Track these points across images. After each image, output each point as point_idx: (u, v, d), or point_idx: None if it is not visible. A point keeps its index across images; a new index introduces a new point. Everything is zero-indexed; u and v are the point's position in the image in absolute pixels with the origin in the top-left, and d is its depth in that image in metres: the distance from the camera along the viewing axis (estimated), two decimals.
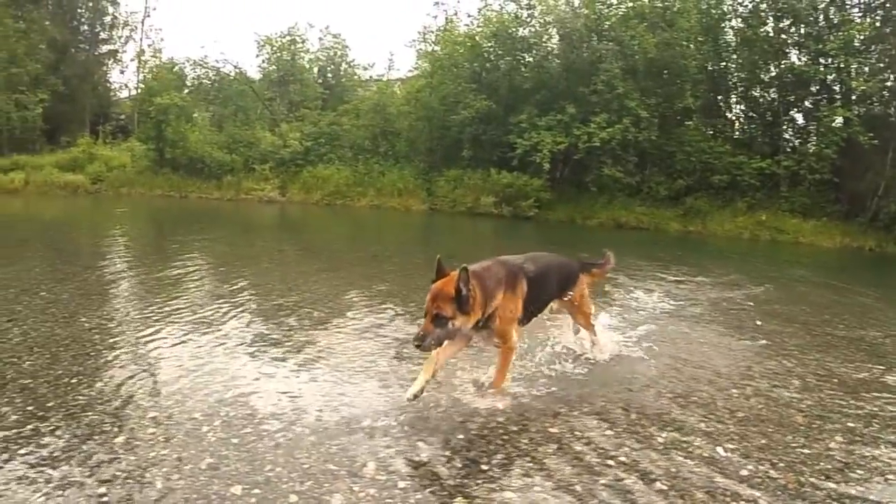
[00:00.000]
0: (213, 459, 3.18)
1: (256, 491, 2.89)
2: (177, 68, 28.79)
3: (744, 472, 3.18)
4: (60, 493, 2.87)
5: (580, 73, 21.90)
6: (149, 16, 36.97)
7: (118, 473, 3.05)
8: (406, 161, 23.51)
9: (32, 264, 9.25)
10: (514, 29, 23.19)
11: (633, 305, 7.24)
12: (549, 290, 4.57)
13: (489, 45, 23.52)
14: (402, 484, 2.99)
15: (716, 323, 6.62)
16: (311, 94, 26.76)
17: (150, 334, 5.42)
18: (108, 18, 36.61)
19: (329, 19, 54.39)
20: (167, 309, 6.34)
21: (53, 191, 25.43)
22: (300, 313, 6.40)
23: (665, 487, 3.00)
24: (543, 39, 23.54)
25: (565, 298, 4.79)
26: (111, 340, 5.32)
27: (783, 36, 21.93)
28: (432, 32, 25.69)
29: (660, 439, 3.55)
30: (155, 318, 6.00)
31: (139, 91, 32.60)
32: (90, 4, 36.19)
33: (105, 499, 2.85)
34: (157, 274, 8.74)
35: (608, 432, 3.62)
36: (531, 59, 23.29)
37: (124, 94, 38.85)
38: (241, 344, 5.25)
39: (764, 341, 5.86)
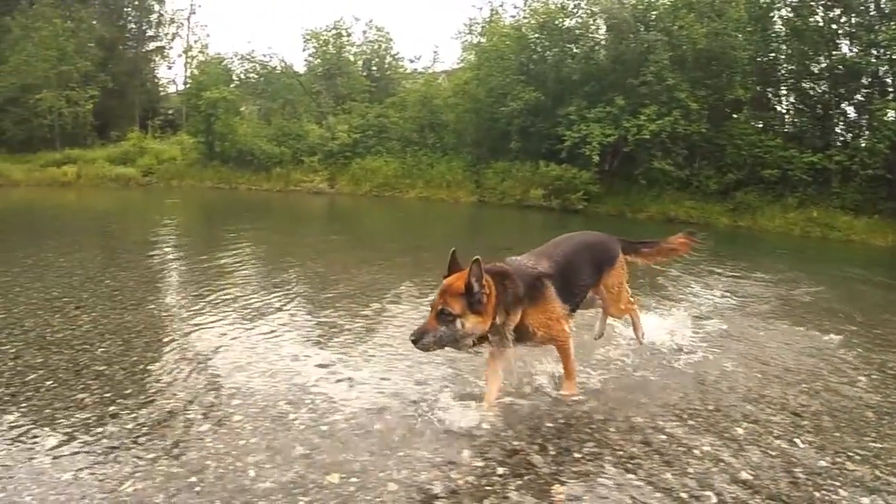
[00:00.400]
0: (304, 448, 3.19)
1: (354, 479, 2.90)
2: (224, 63, 29.23)
3: (822, 464, 3.24)
4: (150, 478, 2.89)
5: (629, 64, 21.64)
6: (194, 13, 37.86)
7: (208, 462, 3.06)
8: (454, 153, 23.47)
9: (94, 252, 9.58)
10: (560, 20, 23.02)
11: (696, 300, 7.19)
12: (584, 276, 4.10)
13: (536, 36, 23.37)
14: (500, 470, 3.03)
15: (780, 319, 6.54)
16: (357, 87, 26.94)
17: (215, 321, 5.55)
18: (154, 16, 37.61)
19: (373, 13, 54.53)
20: (227, 297, 6.51)
21: (105, 183, 26.03)
22: (353, 302, 6.48)
23: (750, 477, 3.05)
24: (590, 30, 23.31)
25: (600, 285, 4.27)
26: (181, 327, 5.41)
27: (833, 26, 21.38)
28: (478, 24, 25.69)
29: (738, 431, 3.59)
30: (217, 305, 6.15)
31: (187, 86, 33.14)
32: (136, 3, 37.08)
33: (197, 488, 2.84)
34: (212, 262, 8.92)
35: (690, 422, 3.68)
36: (578, 51, 23.02)
37: (172, 89, 39.75)
38: (303, 332, 5.33)
39: (829, 339, 5.78)
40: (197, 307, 6.09)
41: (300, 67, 29.13)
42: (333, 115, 25.96)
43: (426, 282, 7.41)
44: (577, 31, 23.14)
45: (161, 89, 39.75)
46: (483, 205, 21.12)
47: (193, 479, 2.89)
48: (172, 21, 37.68)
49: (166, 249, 10.14)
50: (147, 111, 35.54)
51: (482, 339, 3.46)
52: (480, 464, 3.07)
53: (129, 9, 36.98)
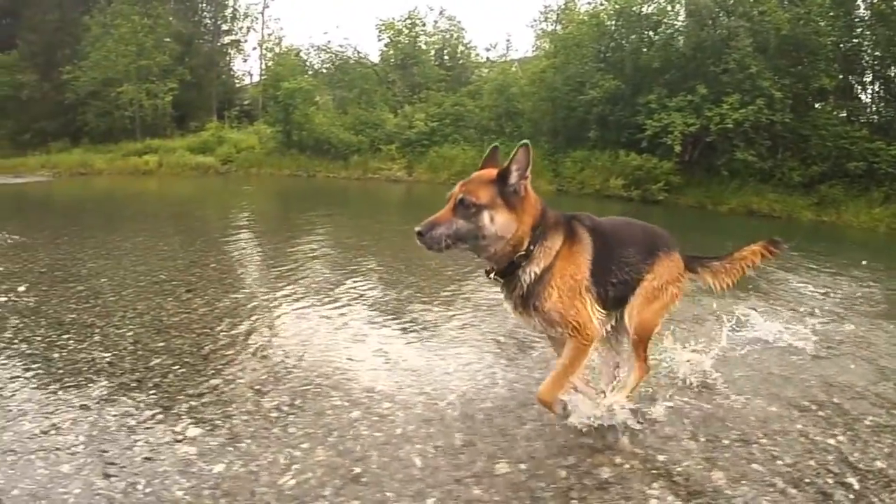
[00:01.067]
0: (465, 436, 3.15)
1: (522, 466, 2.88)
2: (301, 54, 29.82)
3: None
4: (310, 471, 2.84)
5: (710, 51, 21.10)
6: (268, 6, 38.74)
7: (369, 452, 3.00)
8: (532, 142, 23.06)
9: (191, 237, 9.95)
10: (638, 6, 22.62)
11: (799, 298, 6.90)
12: (629, 254, 3.15)
13: (613, 23, 22.97)
14: (660, 458, 3.03)
15: (889, 320, 6.16)
16: (432, 76, 27.22)
17: (331, 309, 5.53)
18: (228, 11, 38.68)
19: (445, 1, 54.80)
20: (355, 284, 6.55)
21: (185, 172, 26.97)
22: (434, 290, 6.45)
23: (884, 466, 3.09)
24: (670, 16, 22.81)
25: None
26: (302, 311, 5.44)
27: None
28: (553, 12, 25.45)
29: (866, 423, 3.57)
30: (338, 294, 6.14)
31: (263, 77, 33.89)
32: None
33: (364, 479, 2.78)
34: (299, 246, 9.09)
35: (819, 414, 3.66)
36: (657, 38, 22.55)
37: (247, 81, 40.94)
38: (411, 322, 5.24)
39: None
40: (317, 293, 6.12)
41: (374, 57, 29.78)
42: (409, 103, 26.24)
43: None
44: (655, 18, 22.67)
45: (237, 81, 41.14)
46: (562, 194, 20.81)
47: (357, 469, 2.84)
48: (246, 15, 38.95)
49: (255, 234, 10.51)
50: (223, 102, 36.62)
51: (508, 269, 2.84)
52: (640, 451, 3.07)
53: (204, 4, 38.08)
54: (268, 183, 23.32)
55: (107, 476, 2.77)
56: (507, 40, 39.73)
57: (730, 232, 14.34)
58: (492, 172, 2.76)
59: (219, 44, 39.19)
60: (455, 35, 29.98)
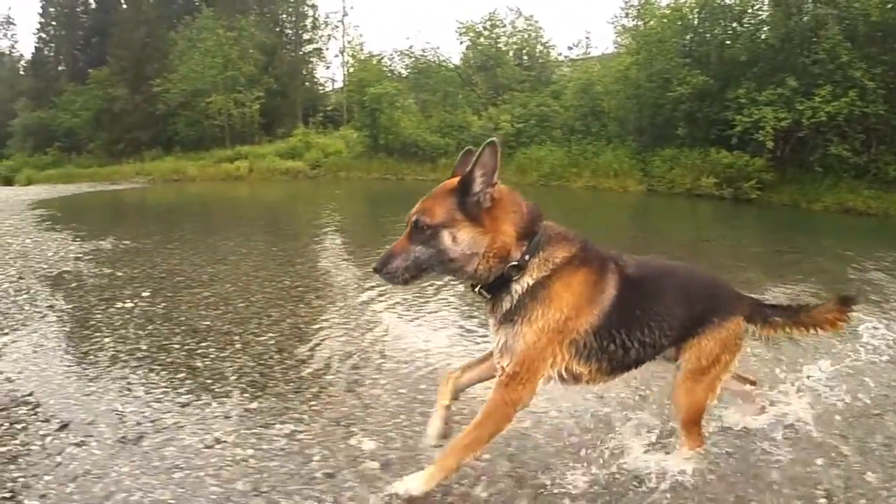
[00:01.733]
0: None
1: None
2: (385, 59, 30.54)
3: None
4: (501, 482, 2.78)
5: (798, 41, 20.58)
6: (346, 14, 39.78)
7: (550, 461, 2.96)
8: (619, 141, 23.08)
9: (303, 241, 10.44)
10: None
11: None
12: (667, 316, 2.61)
13: (696, 16, 22.67)
14: (819, 461, 3.01)
15: None
16: (515, 77, 27.39)
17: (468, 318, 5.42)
18: (308, 21, 39.70)
19: (522, 1, 54.78)
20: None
21: (275, 176, 28.30)
22: None
23: None
24: (754, 7, 22.35)
25: (681, 350, 2.74)
26: (441, 319, 5.38)
27: None
28: (634, 7, 25.14)
29: None
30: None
31: (346, 83, 34.84)
32: (291, 10, 39.42)
33: (554, 490, 2.72)
34: None
35: None
36: (743, 30, 22.15)
37: (330, 87, 42.33)
38: None
39: None
40: (432, 299, 6.03)
41: (456, 60, 30.17)
42: (492, 105, 26.48)
43: None
44: (738, 8, 22.22)
45: (320, 88, 42.37)
46: (652, 194, 20.49)
47: (546, 480, 2.78)
48: (326, 24, 40.10)
49: (359, 237, 10.84)
50: (308, 109, 37.95)
51: (497, 283, 2.41)
52: (796, 455, 3.04)
53: (285, 15, 39.34)
54: (357, 186, 24.07)
55: (288, 494, 2.69)
56: (587, 38, 39.09)
57: (825, 231, 13.90)
58: (453, 182, 2.35)
59: (301, 52, 40.67)
60: (533, 34, 30.08)
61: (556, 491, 2.70)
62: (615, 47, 27.80)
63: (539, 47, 30.07)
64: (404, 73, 30.94)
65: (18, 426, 3.39)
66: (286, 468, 2.89)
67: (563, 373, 2.46)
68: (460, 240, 2.28)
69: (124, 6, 46.94)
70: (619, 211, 17.39)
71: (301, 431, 3.26)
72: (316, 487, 2.73)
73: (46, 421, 3.44)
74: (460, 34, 29.22)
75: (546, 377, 2.44)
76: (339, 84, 42.11)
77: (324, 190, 23.57)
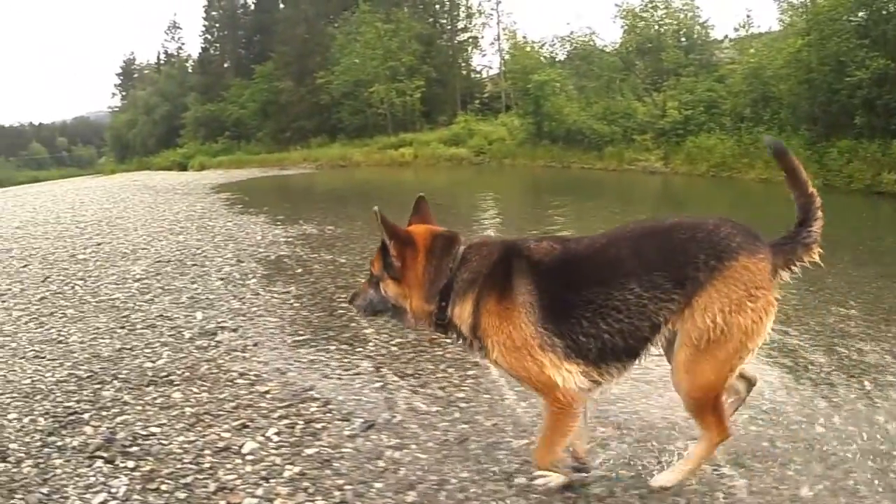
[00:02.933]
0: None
1: None
2: (546, 46, 30.68)
3: None
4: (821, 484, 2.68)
5: None
6: (499, 2, 40.59)
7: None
8: (791, 130, 21.08)
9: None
10: None
11: None
12: (627, 298, 2.26)
13: None
14: None
15: None
16: (680, 61, 26.21)
17: None
18: (462, 10, 41.00)
19: None
20: None
21: (440, 163, 29.57)
22: None
23: None
24: None
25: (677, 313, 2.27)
26: None
27: None
28: None
29: None
30: None
31: (504, 71, 35.93)
32: (444, 0, 41.06)
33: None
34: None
35: None
36: None
37: (486, 74, 43.78)
38: None
39: None
40: None
41: (617, 44, 29.07)
42: (657, 91, 25.91)
43: None
44: None
45: (476, 75, 43.71)
46: (829, 190, 17.77)
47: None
48: (480, 12, 41.08)
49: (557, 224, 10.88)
50: (465, 96, 39.41)
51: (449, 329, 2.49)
52: None
53: (438, 6, 40.96)
54: (523, 174, 24.59)
55: None
56: (748, 16, 36.66)
57: None
58: (401, 233, 2.44)
59: (457, 41, 42.27)
60: (689, 15, 28.59)
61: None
62: (780, 25, 26.48)
63: (697, 28, 28.58)
64: (564, 59, 30.61)
65: (317, 425, 3.31)
66: None
67: (563, 374, 2.30)
68: (391, 293, 2.46)
69: (283, 6, 50.58)
70: (790, 207, 15.99)
71: None
72: None
73: (346, 420, 3.37)
74: (621, 17, 28.26)
75: (574, 382, 2.30)
76: (493, 71, 43.40)
77: (489, 177, 24.43)
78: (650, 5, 28.01)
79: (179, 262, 7.85)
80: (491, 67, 44.28)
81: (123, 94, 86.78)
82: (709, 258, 2.18)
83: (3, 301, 6.45)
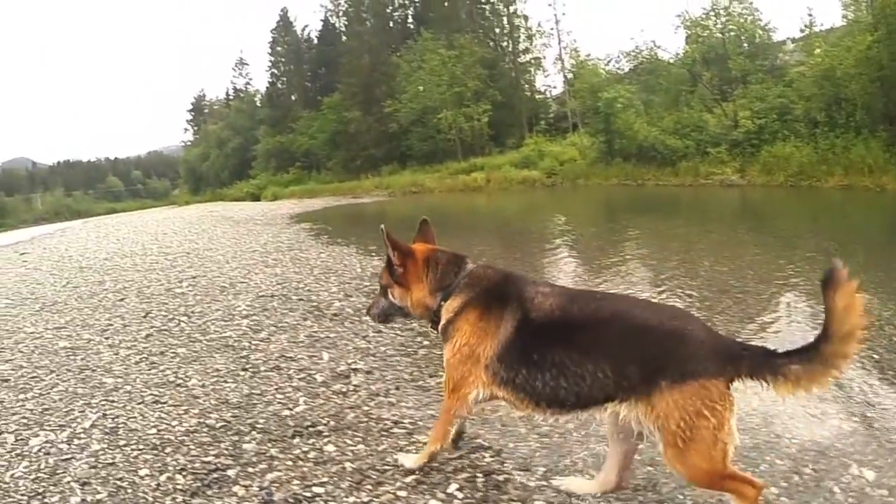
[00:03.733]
0: None
1: None
2: (611, 62, 31.14)
3: None
4: None
5: None
6: (558, 21, 41.13)
7: None
8: (869, 132, 20.11)
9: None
10: None
11: None
12: (576, 368, 2.50)
13: None
14: None
15: None
16: (748, 68, 25.94)
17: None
18: (522, 31, 41.88)
19: None
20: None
21: (513, 186, 29.99)
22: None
23: None
24: None
25: (641, 405, 2.41)
26: None
27: None
28: None
29: None
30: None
31: (569, 90, 36.48)
32: (504, 23, 42.00)
33: None
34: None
35: None
36: None
37: (549, 95, 44.38)
38: None
39: None
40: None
41: (676, 56, 29.37)
42: (726, 101, 25.61)
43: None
44: None
45: (541, 96, 44.73)
46: None
47: None
48: (540, 33, 41.90)
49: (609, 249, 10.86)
50: (530, 118, 40.06)
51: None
52: None
53: (498, 29, 41.91)
54: (596, 194, 24.53)
55: None
56: (809, 14, 35.07)
57: None
58: (402, 246, 3.00)
59: (520, 62, 43.29)
60: (750, 19, 28.33)
61: None
62: (844, 21, 25.73)
63: (759, 32, 28.22)
64: (629, 74, 30.73)
65: (498, 477, 3.12)
66: None
67: (488, 393, 2.73)
68: (397, 296, 3.04)
69: (345, 39, 52.44)
70: (872, 216, 15.42)
71: None
72: None
73: (525, 469, 3.23)
74: (684, 28, 28.52)
75: (475, 395, 2.75)
76: (556, 91, 43.95)
77: (563, 198, 24.64)
78: (712, 13, 27.85)
79: (284, 297, 7.60)
80: (555, 87, 44.83)
81: (195, 128, 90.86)
82: (674, 371, 2.32)
83: (108, 338, 6.24)
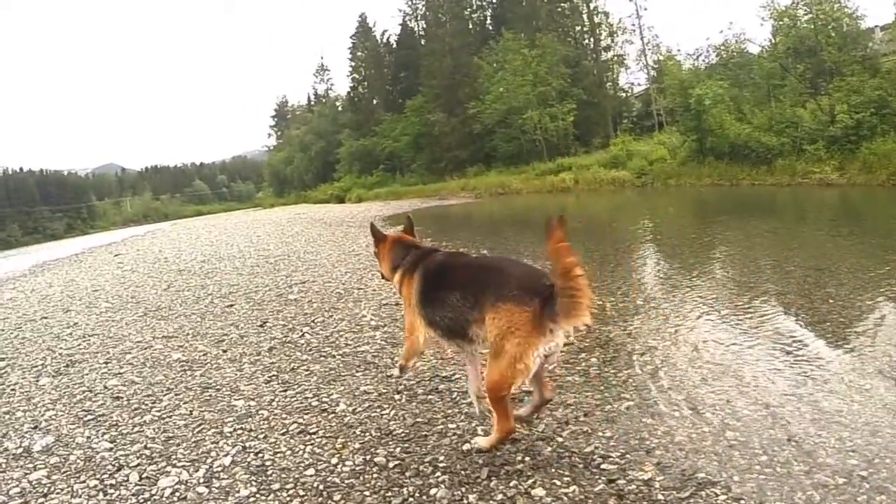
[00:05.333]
0: None
1: None
2: (700, 58, 30.57)
3: None
4: None
5: None
6: (640, 17, 41.52)
7: None
8: None
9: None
10: None
11: None
12: (451, 302, 3.36)
13: None
14: None
15: None
16: (841, 60, 24.99)
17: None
18: (604, 28, 42.11)
19: None
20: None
21: (602, 187, 29.85)
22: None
23: None
24: None
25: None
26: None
27: None
28: None
29: None
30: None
31: (654, 87, 36.32)
32: (584, 20, 42.36)
33: None
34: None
35: None
36: None
37: (632, 92, 44.39)
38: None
39: None
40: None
41: (763, 48, 28.67)
42: (819, 94, 24.65)
43: None
44: None
45: (623, 94, 44.81)
46: None
47: None
48: (623, 29, 41.99)
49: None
50: (614, 116, 40.32)
51: None
52: None
53: (579, 27, 42.28)
54: (690, 194, 23.90)
55: None
56: None
57: None
58: (378, 234, 4.09)
59: (603, 60, 43.61)
60: (836, 6, 26.69)
61: None
62: None
63: (846, 20, 26.61)
64: (716, 68, 29.79)
65: None
66: None
67: (429, 334, 3.56)
68: (381, 265, 4.04)
69: (424, 42, 53.90)
70: None
71: None
72: None
73: None
74: (773, 19, 27.40)
75: (422, 337, 3.58)
76: (639, 88, 44.05)
77: (653, 199, 24.12)
78: (801, 2, 26.88)
79: None
80: (638, 84, 44.70)
81: (278, 133, 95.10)
82: (495, 297, 3.04)
83: (225, 350, 5.95)
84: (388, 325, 6.39)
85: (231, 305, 8.05)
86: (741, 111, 26.75)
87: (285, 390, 4.70)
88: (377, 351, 5.52)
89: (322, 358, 5.45)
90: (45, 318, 9.06)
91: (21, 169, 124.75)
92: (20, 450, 4.05)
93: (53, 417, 4.61)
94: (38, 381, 5.65)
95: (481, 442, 3.42)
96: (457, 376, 4.61)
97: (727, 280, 7.89)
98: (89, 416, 4.52)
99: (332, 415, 4.17)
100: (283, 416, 4.20)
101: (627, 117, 40.86)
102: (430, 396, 4.35)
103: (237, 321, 7.13)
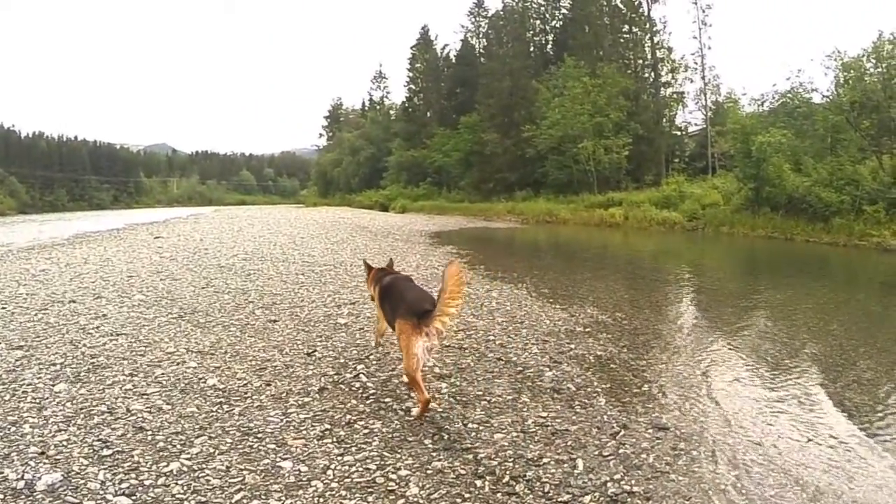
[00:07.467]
0: None
1: None
2: (766, 103, 29.55)
3: None
4: None
5: None
6: (703, 55, 41.25)
7: None
8: None
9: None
10: None
11: None
12: (387, 309, 5.29)
13: None
14: None
15: None
16: None
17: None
18: (666, 64, 41.93)
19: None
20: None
21: (652, 227, 29.30)
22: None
23: None
24: None
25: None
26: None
27: None
28: None
29: None
30: None
31: (714, 128, 35.80)
32: (647, 54, 42.31)
33: None
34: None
35: None
36: None
37: (688, 130, 43.90)
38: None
39: None
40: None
41: (826, 98, 27.22)
42: (882, 152, 23.90)
43: None
44: None
45: (679, 132, 44.64)
46: None
47: None
48: (685, 67, 41.79)
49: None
50: (668, 155, 40.10)
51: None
52: None
53: (641, 60, 42.27)
54: (742, 245, 23.13)
55: None
56: None
57: None
58: (368, 267, 6.15)
59: (662, 96, 43.69)
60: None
61: None
62: None
63: None
64: (776, 115, 28.66)
65: None
66: None
67: (392, 325, 5.15)
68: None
69: (483, 61, 54.45)
70: None
71: None
72: None
73: None
74: (840, 71, 26.11)
75: (388, 327, 5.56)
76: (694, 128, 43.64)
77: (703, 246, 23.43)
78: (872, 55, 25.57)
79: (476, 351, 6.38)
80: (695, 124, 44.23)
81: (329, 134, 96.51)
82: (397, 312, 4.83)
83: (269, 383, 5.21)
84: (454, 374, 5.56)
85: (275, 322, 7.41)
86: (799, 163, 26.13)
87: (342, 454, 3.89)
88: (446, 411, 4.67)
89: (382, 412, 4.63)
90: (74, 301, 8.65)
91: (76, 137, 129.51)
92: (21, 483, 3.43)
93: (64, 444, 3.95)
94: (53, 385, 5.03)
95: (414, 412, 4.60)
96: (545, 460, 3.88)
97: (761, 343, 7.61)
98: (106, 451, 3.84)
99: (403, 500, 3.37)
100: (342, 492, 3.43)
101: (680, 157, 40.63)
102: (517, 486, 3.55)
103: (281, 343, 6.43)
